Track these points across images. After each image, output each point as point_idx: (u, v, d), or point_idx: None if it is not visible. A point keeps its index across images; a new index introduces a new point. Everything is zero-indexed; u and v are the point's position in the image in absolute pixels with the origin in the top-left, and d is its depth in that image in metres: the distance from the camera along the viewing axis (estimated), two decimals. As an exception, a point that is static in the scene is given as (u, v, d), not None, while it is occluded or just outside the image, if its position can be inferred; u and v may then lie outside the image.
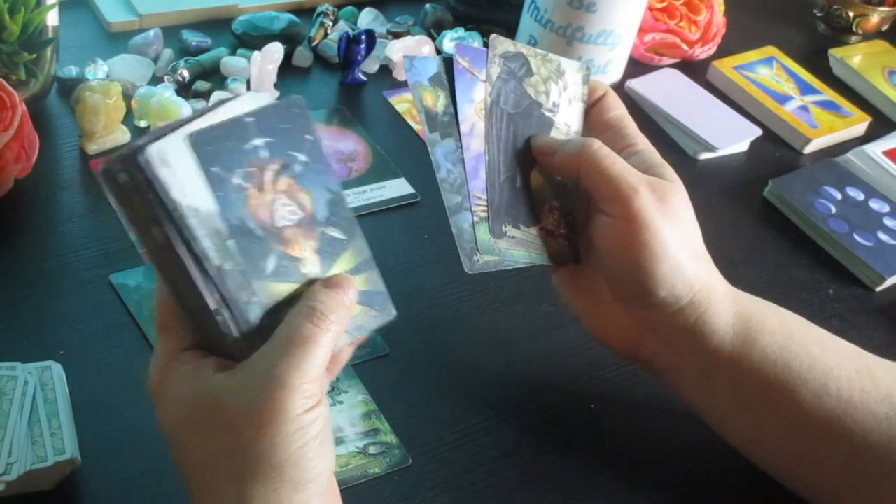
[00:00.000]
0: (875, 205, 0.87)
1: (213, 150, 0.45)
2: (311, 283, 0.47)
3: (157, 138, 0.43)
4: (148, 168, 0.43)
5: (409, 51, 0.90)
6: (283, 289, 0.47)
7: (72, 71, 0.81)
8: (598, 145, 0.55)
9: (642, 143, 0.58)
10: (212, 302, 0.45)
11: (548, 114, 0.58)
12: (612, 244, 0.55)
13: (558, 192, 0.59)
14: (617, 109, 0.59)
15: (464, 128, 0.55)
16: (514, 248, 0.56)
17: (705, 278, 0.56)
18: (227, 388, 0.44)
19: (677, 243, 0.54)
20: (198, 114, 0.46)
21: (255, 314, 0.46)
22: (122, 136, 0.76)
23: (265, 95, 0.50)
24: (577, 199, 0.59)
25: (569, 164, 0.56)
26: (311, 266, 0.48)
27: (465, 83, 0.55)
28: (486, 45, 0.95)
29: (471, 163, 0.55)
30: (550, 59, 0.58)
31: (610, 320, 0.59)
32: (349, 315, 0.47)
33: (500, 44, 0.57)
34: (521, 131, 0.57)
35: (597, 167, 0.54)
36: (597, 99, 0.59)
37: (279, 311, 0.46)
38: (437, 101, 0.55)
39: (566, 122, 0.59)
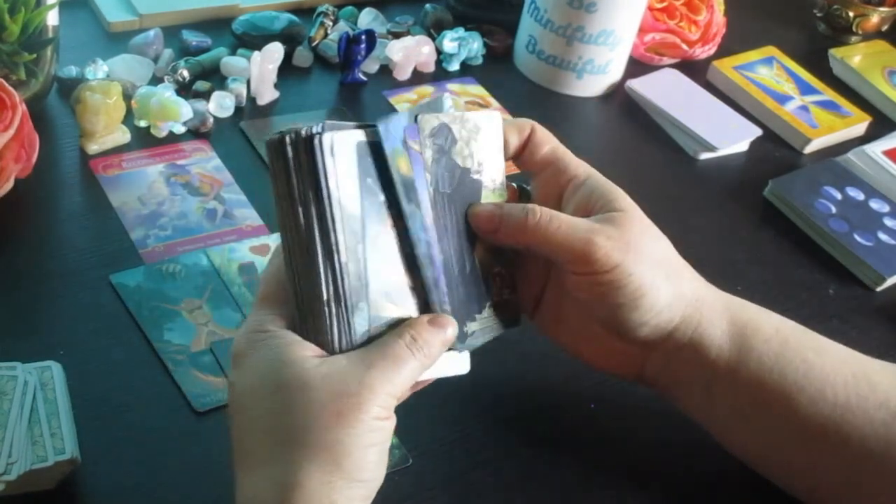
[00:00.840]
0: (875, 205, 0.87)
1: (374, 162, 0.49)
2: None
3: (332, 129, 0.47)
4: (318, 152, 0.46)
5: (409, 50, 0.90)
6: (390, 309, 0.50)
7: (72, 71, 0.81)
8: (538, 213, 0.53)
9: (583, 171, 0.57)
10: (325, 293, 0.47)
11: (476, 176, 0.55)
12: (588, 295, 0.54)
13: (498, 257, 0.57)
14: (548, 144, 0.57)
15: (427, 220, 0.51)
16: (476, 340, 0.55)
17: (690, 292, 0.56)
18: (317, 371, 0.46)
19: (650, 272, 0.54)
20: (370, 123, 0.50)
21: (358, 320, 0.48)
22: (122, 136, 0.76)
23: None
24: (511, 256, 0.57)
25: (514, 239, 0.54)
26: (419, 298, 0.51)
27: (419, 169, 0.51)
28: (486, 44, 0.96)
29: (437, 260, 0.51)
30: (467, 119, 0.54)
31: (608, 351, 0.59)
32: (441, 354, 0.50)
33: (427, 122, 0.52)
34: (459, 209, 0.54)
35: (544, 237, 0.53)
36: (526, 139, 0.57)
37: (379, 327, 0.49)
38: (410, 165, 0.51)
39: (492, 178, 0.56)
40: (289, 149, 0.47)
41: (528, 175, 0.59)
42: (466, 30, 0.95)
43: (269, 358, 0.47)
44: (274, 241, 0.71)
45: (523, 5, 0.94)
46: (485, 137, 0.55)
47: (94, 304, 0.64)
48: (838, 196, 0.87)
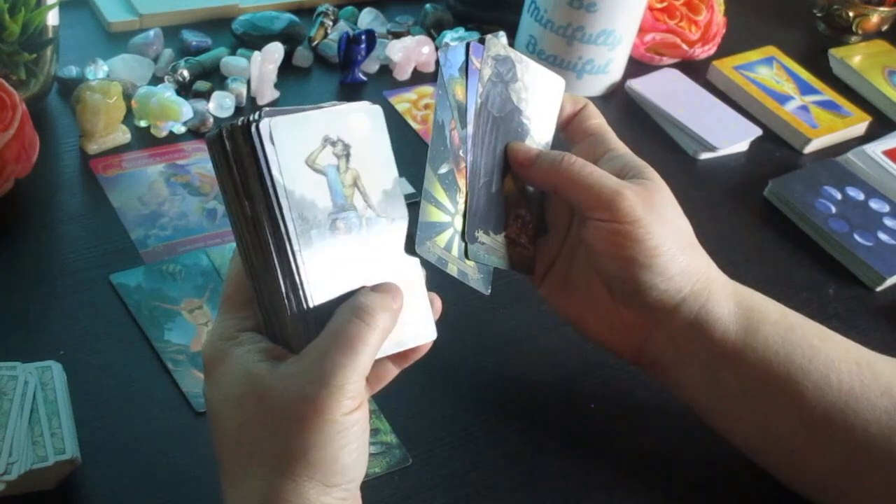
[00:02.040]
0: (875, 205, 0.87)
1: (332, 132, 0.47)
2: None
3: (270, 115, 0.45)
4: (256, 140, 0.45)
5: (409, 50, 0.90)
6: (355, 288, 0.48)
7: (72, 71, 0.81)
8: (573, 158, 0.56)
9: (622, 148, 0.59)
10: (283, 285, 0.46)
11: (525, 121, 0.58)
12: (606, 246, 0.55)
13: (526, 201, 0.59)
14: (597, 119, 0.60)
15: (470, 129, 0.54)
16: (480, 252, 0.56)
17: (703, 268, 0.57)
18: (276, 377, 0.44)
19: (669, 236, 0.55)
20: (318, 105, 0.48)
21: (320, 306, 0.47)
22: (123, 135, 0.76)
23: (378, 109, 0.51)
24: (539, 210, 0.60)
25: (545, 177, 0.56)
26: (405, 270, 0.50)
27: (474, 81, 0.55)
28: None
29: (468, 160, 0.55)
30: (532, 67, 0.58)
31: (611, 322, 0.59)
32: (396, 317, 0.48)
33: (494, 45, 0.55)
34: (501, 136, 0.57)
35: (575, 179, 0.55)
36: (578, 110, 0.60)
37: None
38: (465, 92, 0.54)
39: (540, 133, 0.59)
40: (227, 142, 0.45)
41: (571, 142, 0.61)
42: (467, 30, 0.95)
43: (232, 369, 0.46)
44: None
45: (523, 5, 0.94)
46: (544, 93, 0.58)
47: (95, 304, 0.64)
48: (838, 196, 0.87)
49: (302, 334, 0.46)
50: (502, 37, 0.56)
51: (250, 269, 0.47)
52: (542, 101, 0.59)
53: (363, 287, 0.48)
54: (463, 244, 0.54)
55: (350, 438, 0.44)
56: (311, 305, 0.46)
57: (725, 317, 0.57)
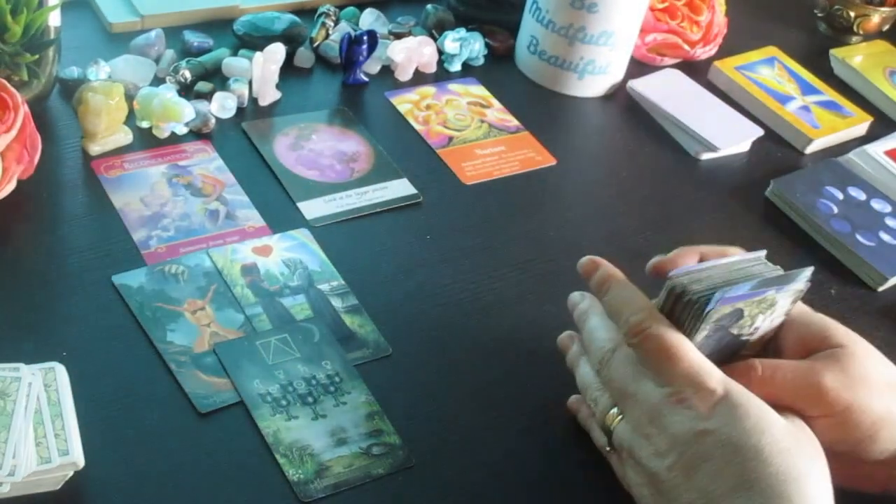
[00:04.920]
0: (877, 205, 0.87)
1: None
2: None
3: (724, 301, 0.53)
4: (708, 306, 0.53)
5: (410, 51, 0.90)
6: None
7: (74, 72, 0.81)
8: (759, 370, 0.54)
9: (797, 309, 0.59)
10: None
11: (743, 338, 0.57)
12: (828, 436, 0.53)
13: None
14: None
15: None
16: None
17: None
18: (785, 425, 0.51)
19: (885, 403, 0.53)
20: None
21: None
22: (124, 136, 0.76)
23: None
24: None
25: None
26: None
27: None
28: (488, 45, 0.95)
29: None
30: (766, 298, 0.56)
31: (851, 472, 0.56)
32: None
33: (717, 312, 0.54)
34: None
35: (771, 389, 0.54)
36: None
37: None
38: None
39: (756, 334, 0.58)
40: (686, 296, 0.54)
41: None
42: (468, 30, 0.95)
43: (757, 405, 0.51)
44: (276, 241, 0.71)
45: (525, 5, 0.94)
46: (778, 310, 0.57)
47: (97, 305, 0.64)
48: (840, 196, 0.87)
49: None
50: (807, 271, 0.57)
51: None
52: (769, 318, 0.58)
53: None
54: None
55: None
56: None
57: None
